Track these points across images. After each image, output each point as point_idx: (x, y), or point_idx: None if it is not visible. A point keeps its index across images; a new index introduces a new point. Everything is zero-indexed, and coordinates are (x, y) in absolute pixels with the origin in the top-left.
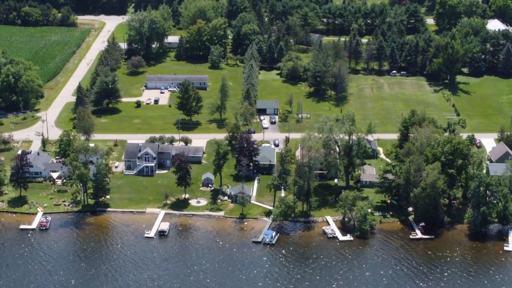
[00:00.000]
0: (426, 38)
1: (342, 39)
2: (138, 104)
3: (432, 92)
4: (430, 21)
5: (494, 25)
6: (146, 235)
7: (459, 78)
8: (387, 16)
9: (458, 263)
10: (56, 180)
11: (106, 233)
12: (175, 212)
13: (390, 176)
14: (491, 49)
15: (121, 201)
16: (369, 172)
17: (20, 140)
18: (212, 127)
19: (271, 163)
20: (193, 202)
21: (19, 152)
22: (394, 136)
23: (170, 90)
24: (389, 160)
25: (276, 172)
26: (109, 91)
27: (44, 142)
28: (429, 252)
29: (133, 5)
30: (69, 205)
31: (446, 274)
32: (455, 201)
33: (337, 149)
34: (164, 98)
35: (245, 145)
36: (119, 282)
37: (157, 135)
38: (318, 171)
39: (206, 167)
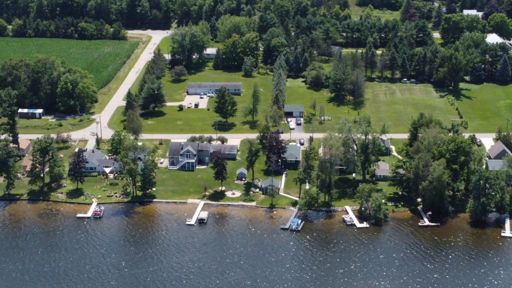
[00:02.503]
0: (433, 50)
1: (359, 51)
2: (181, 108)
3: (438, 97)
4: (436, 35)
5: (493, 38)
6: (187, 222)
7: (462, 85)
8: (398, 31)
9: (461, 247)
10: (108, 174)
11: (152, 221)
12: (213, 202)
13: (401, 171)
14: (489, 59)
15: (166, 192)
16: (383, 168)
17: (77, 139)
18: (245, 128)
19: (297, 159)
20: (228, 193)
21: (76, 150)
22: (405, 136)
23: (209, 96)
24: (400, 157)
25: (302, 168)
26: (155, 96)
27: (98, 141)
28: (436, 238)
29: (176, 21)
30: (120, 196)
31: (450, 257)
32: (458, 193)
33: (355, 147)
34: (203, 103)
35: (274, 144)
36: (163, 263)
37: (197, 135)
38: (338, 167)
39: (240, 163)
